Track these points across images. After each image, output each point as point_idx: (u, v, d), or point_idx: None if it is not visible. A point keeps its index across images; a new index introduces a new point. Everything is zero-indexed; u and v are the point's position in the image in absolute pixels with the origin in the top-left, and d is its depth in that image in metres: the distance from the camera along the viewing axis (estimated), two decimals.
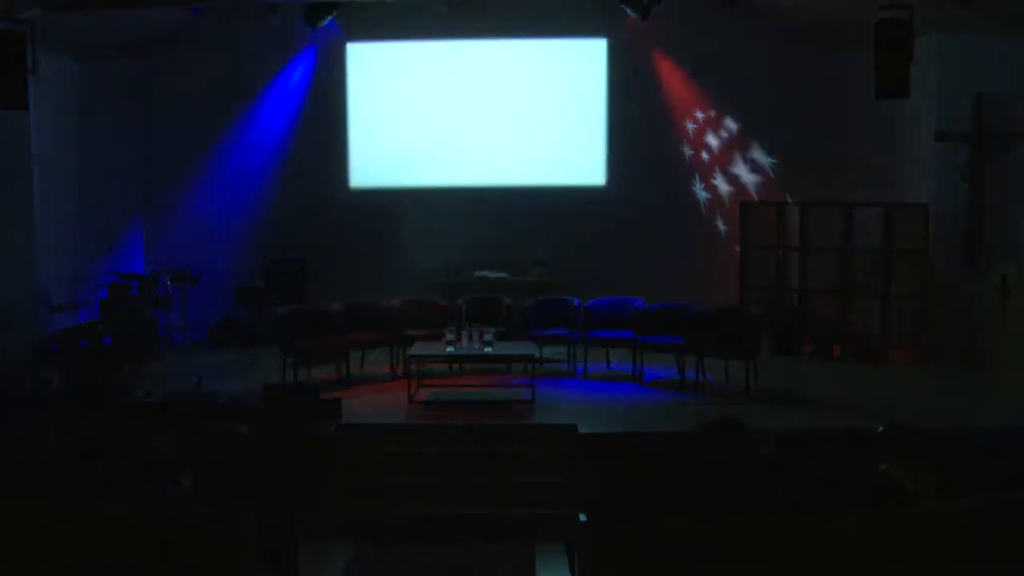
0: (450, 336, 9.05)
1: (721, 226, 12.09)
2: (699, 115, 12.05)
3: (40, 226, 10.56)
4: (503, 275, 11.61)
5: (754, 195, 11.98)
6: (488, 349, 8.97)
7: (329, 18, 11.38)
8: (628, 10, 11.13)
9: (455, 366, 9.78)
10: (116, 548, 4.56)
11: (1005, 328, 9.66)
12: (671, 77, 11.94)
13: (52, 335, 10.21)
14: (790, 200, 11.52)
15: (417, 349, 9.20)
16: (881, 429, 5.05)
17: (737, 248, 11.75)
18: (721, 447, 4.72)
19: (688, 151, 12.10)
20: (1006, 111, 9.92)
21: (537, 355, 9.26)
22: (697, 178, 12.13)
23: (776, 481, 4.71)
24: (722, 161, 12.08)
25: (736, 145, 12.04)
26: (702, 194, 12.12)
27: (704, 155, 12.11)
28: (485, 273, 11.64)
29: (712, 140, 12.07)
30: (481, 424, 8.04)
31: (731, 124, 12.01)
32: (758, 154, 11.98)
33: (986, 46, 9.80)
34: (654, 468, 4.74)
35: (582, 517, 4.60)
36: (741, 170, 12.04)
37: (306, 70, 12.14)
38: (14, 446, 5.70)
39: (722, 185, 12.08)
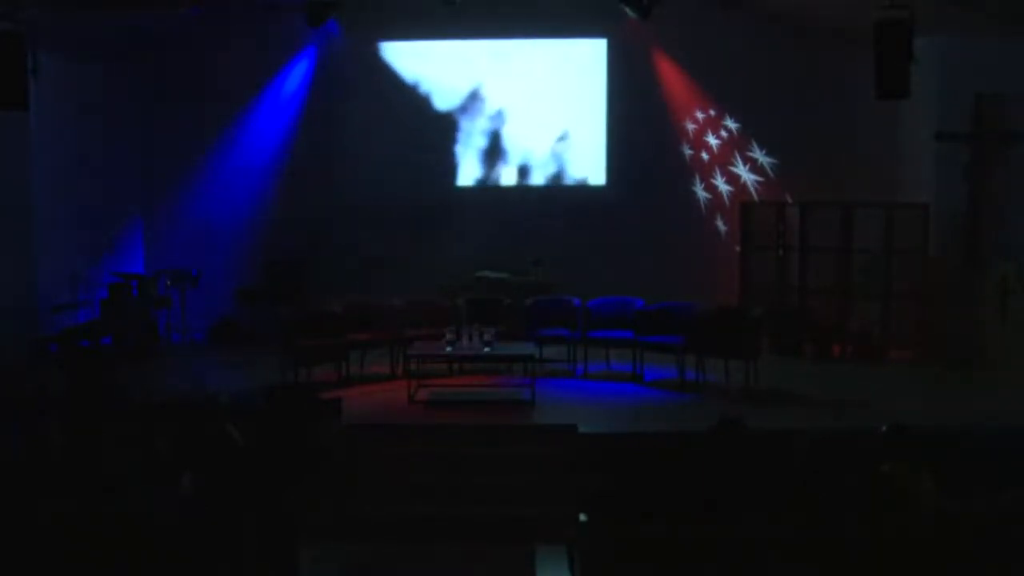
0: (450, 336, 9.07)
1: (721, 226, 12.08)
2: (699, 115, 12.05)
3: (40, 226, 10.56)
4: (503, 275, 11.60)
5: (754, 195, 11.98)
6: (488, 349, 8.98)
7: (329, 18, 11.38)
8: (628, 10, 11.12)
9: (455, 366, 9.78)
10: (116, 548, 4.56)
11: (1005, 328, 9.66)
12: (671, 77, 11.94)
13: (52, 335, 10.21)
14: (790, 200, 11.51)
15: (417, 349, 9.21)
16: (882, 429, 5.05)
17: (737, 248, 11.74)
18: (721, 448, 4.73)
19: (688, 151, 12.09)
20: (1006, 111, 9.93)
21: (537, 355, 9.26)
22: (697, 178, 12.12)
23: (776, 481, 4.72)
24: (722, 161, 12.07)
25: (736, 145, 12.03)
26: (702, 194, 12.12)
27: (704, 155, 12.10)
28: (485, 273, 11.64)
29: (712, 140, 12.07)
30: (481, 424, 8.04)
31: (731, 124, 12.01)
32: (758, 154, 11.98)
33: (986, 46, 9.80)
34: (654, 468, 4.75)
35: (582, 517, 4.61)
36: (741, 170, 12.04)
37: (306, 70, 12.14)
38: (15, 447, 5.71)
39: (722, 185, 12.08)
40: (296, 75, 12.13)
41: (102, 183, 11.78)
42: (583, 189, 12.16)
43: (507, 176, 12.18)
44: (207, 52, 11.74)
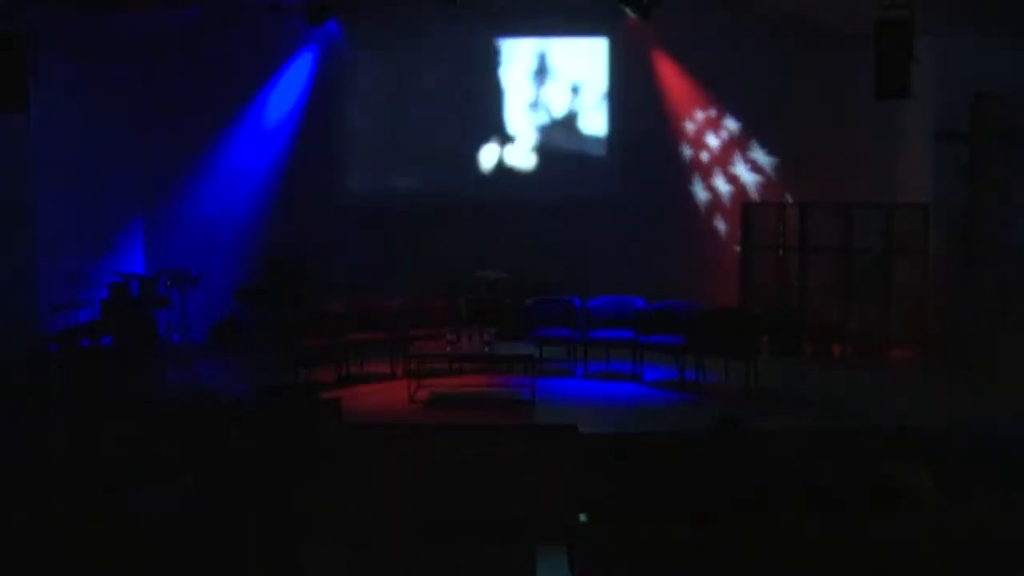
0: (450, 336, 9.07)
1: (721, 226, 12.09)
2: (699, 115, 12.05)
3: (40, 226, 10.56)
4: (503, 275, 11.60)
5: (754, 195, 11.98)
6: (488, 349, 8.98)
7: (329, 18, 11.40)
8: (628, 10, 11.14)
9: (455, 366, 9.78)
10: (116, 548, 4.56)
11: (1005, 328, 9.66)
12: (671, 77, 11.94)
13: (52, 335, 10.20)
14: (790, 200, 11.52)
15: (417, 349, 9.21)
16: (882, 430, 5.06)
17: (737, 248, 11.75)
18: (721, 448, 4.73)
19: (688, 151, 12.09)
20: (1006, 111, 9.92)
21: (537, 355, 9.26)
22: (697, 178, 12.12)
23: (776, 481, 4.71)
24: (722, 161, 12.08)
25: (736, 145, 12.04)
26: (702, 194, 12.12)
27: (704, 155, 12.11)
28: (485, 273, 11.64)
29: (712, 140, 12.07)
30: (481, 424, 8.05)
31: (731, 124, 12.01)
32: (758, 154, 11.98)
33: (986, 46, 9.80)
34: (654, 468, 4.74)
35: (582, 517, 4.61)
36: (741, 170, 12.04)
37: (306, 70, 12.13)
38: (15, 447, 5.71)
39: (722, 185, 12.08)
40: (296, 75, 12.12)
41: (102, 183, 11.78)
42: (584, 189, 12.16)
43: (507, 176, 12.15)
44: (207, 52, 11.74)
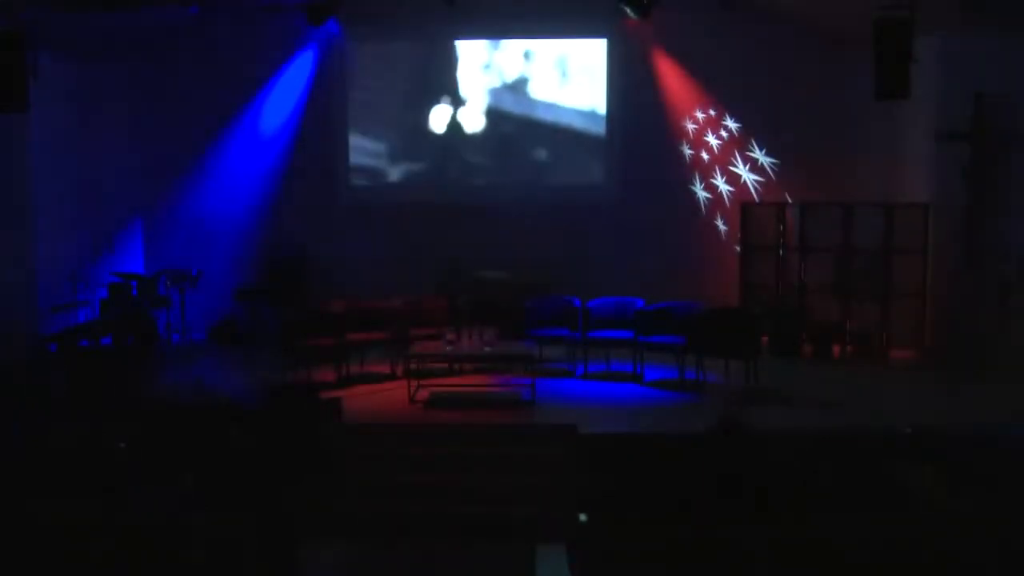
0: (450, 336, 9.07)
1: (721, 226, 12.09)
2: (699, 115, 12.05)
3: (40, 226, 10.56)
4: (503, 275, 11.60)
5: (754, 195, 11.98)
6: (488, 349, 8.98)
7: (330, 17, 11.39)
8: (628, 10, 11.13)
9: (455, 366, 9.78)
10: (116, 548, 4.56)
11: (1005, 328, 9.66)
12: (671, 77, 11.94)
13: (52, 335, 10.20)
14: (790, 200, 11.52)
15: (417, 349, 9.21)
16: (885, 431, 5.06)
17: (737, 248, 11.75)
18: (721, 448, 4.73)
19: (688, 151, 12.09)
20: (1006, 111, 9.92)
21: (537, 355, 9.25)
22: (697, 178, 12.12)
23: (776, 481, 4.72)
24: (722, 161, 12.07)
25: (736, 145, 12.03)
26: (702, 194, 12.12)
27: (704, 155, 12.10)
28: (485, 273, 11.63)
29: (712, 140, 12.07)
30: (481, 424, 8.05)
31: (731, 124, 12.01)
32: (758, 154, 11.98)
33: (986, 46, 9.80)
34: (654, 468, 4.75)
35: (582, 517, 4.61)
36: (741, 170, 12.04)
37: (306, 70, 12.13)
38: (15, 447, 5.71)
39: (722, 185, 12.08)
40: (296, 74, 12.12)
41: (102, 183, 11.79)
42: (583, 189, 12.16)
43: (506, 176, 12.13)
44: (207, 52, 11.75)
